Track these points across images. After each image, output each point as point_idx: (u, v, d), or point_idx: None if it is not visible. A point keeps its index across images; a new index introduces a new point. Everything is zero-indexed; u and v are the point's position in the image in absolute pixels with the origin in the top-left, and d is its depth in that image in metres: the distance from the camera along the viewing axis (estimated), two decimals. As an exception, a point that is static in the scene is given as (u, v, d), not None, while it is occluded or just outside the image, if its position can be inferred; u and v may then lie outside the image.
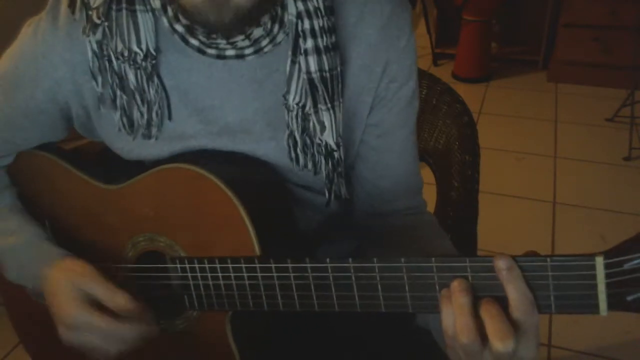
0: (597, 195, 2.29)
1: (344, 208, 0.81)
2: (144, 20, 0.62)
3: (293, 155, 0.68)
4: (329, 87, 0.64)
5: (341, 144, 0.67)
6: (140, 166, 0.72)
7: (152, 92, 0.65)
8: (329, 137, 0.66)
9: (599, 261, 0.49)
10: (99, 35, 0.63)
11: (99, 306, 0.64)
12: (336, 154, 0.68)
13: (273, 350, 0.77)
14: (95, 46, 0.64)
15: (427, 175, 1.12)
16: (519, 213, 2.22)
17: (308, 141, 0.67)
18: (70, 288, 0.64)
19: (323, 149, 0.67)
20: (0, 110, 0.72)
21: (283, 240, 0.70)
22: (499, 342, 0.49)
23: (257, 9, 0.56)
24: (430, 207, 1.04)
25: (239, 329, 0.68)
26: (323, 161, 0.68)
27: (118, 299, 0.63)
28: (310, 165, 0.68)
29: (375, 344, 0.79)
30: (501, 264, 0.51)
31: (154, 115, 0.67)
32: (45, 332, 0.80)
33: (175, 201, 0.66)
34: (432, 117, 1.14)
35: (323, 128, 0.65)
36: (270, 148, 0.69)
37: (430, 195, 1.05)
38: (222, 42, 0.62)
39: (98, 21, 0.62)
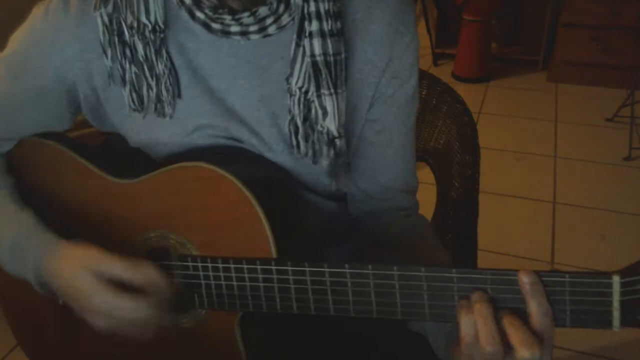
0: (597, 195, 2.29)
1: (341, 209, 0.81)
2: None
3: (294, 142, 0.68)
4: (333, 71, 0.64)
5: (343, 134, 0.68)
6: (152, 162, 0.72)
7: (160, 66, 0.66)
8: (331, 124, 0.66)
9: (616, 280, 0.51)
10: (109, 8, 0.65)
11: (119, 286, 0.62)
12: (338, 142, 0.68)
13: (279, 353, 0.76)
14: (106, 19, 0.65)
15: (427, 175, 1.12)
16: (519, 213, 2.22)
17: (309, 129, 0.67)
18: (87, 275, 0.62)
19: (325, 136, 0.67)
20: (7, 89, 0.72)
21: (286, 242, 0.70)
22: (527, 350, 0.51)
23: None
24: (430, 207, 1.04)
25: (248, 331, 0.68)
26: (325, 150, 0.68)
27: (142, 269, 0.61)
28: (310, 152, 0.68)
29: (384, 348, 0.79)
30: (525, 279, 0.53)
31: (163, 89, 0.67)
32: (43, 332, 0.80)
33: (190, 199, 0.66)
34: (432, 117, 1.14)
35: (325, 113, 0.66)
36: (273, 134, 0.69)
37: (430, 195, 1.05)
38: (227, 18, 0.63)
39: None
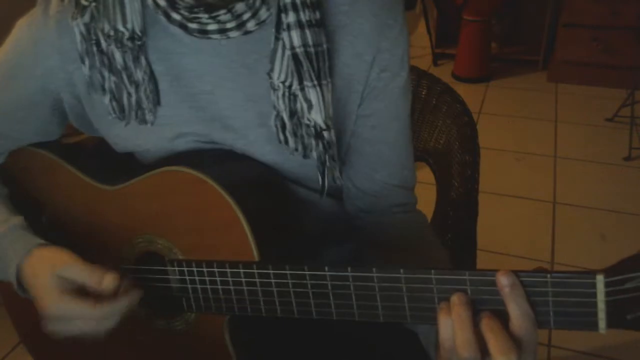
0: (597, 195, 2.29)
1: (341, 208, 0.81)
2: (131, 1, 0.64)
3: (282, 137, 0.67)
4: (315, 63, 0.63)
5: (332, 126, 0.66)
6: (138, 167, 0.72)
7: (139, 73, 0.66)
8: (317, 116, 0.65)
9: (600, 279, 0.49)
10: (86, 17, 0.64)
11: (80, 291, 0.62)
12: (326, 134, 0.66)
13: (270, 354, 0.76)
14: (83, 29, 0.65)
15: (427, 175, 1.12)
16: (519, 213, 2.22)
17: (297, 123, 0.66)
18: (49, 277, 0.62)
19: (312, 129, 0.66)
20: None
21: (282, 242, 0.70)
22: (503, 356, 0.50)
23: None
24: (430, 207, 1.04)
25: (236, 333, 0.68)
26: (313, 143, 0.67)
27: (107, 281, 0.61)
28: (300, 147, 0.67)
29: (375, 348, 0.79)
30: (504, 281, 0.51)
31: (142, 96, 0.67)
32: (39, 327, 0.80)
33: (174, 204, 0.66)
34: (432, 117, 1.14)
35: (310, 106, 0.64)
36: (261, 135, 0.69)
37: (430, 195, 1.05)
38: (204, 17, 0.62)
39: (86, 3, 0.64)
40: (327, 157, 0.68)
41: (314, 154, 0.68)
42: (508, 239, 2.02)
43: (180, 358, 0.72)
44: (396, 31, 0.68)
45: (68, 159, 0.74)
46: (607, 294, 0.49)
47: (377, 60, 0.68)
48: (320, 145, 0.67)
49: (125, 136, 0.72)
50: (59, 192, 0.75)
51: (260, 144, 0.69)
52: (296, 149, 0.67)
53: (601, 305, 0.49)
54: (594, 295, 0.49)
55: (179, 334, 0.70)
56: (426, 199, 0.83)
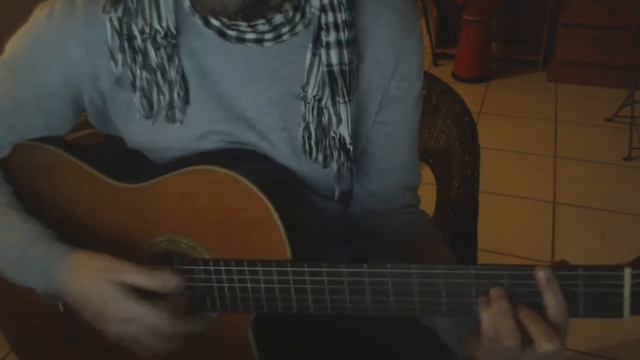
0: (597, 195, 2.29)
1: (343, 210, 0.81)
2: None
3: (307, 147, 0.68)
4: (347, 80, 0.65)
5: (352, 138, 0.68)
6: (152, 166, 0.71)
7: (172, 72, 0.65)
8: (344, 130, 0.67)
9: (627, 272, 0.54)
10: (119, 12, 0.63)
11: (138, 292, 0.62)
12: (350, 147, 0.68)
13: (289, 352, 0.76)
14: (116, 23, 0.64)
15: (427, 175, 1.12)
16: (519, 213, 2.22)
17: (323, 135, 0.67)
18: (102, 284, 0.62)
19: (337, 142, 0.68)
20: (9, 95, 0.69)
21: (300, 242, 0.70)
22: (548, 342, 0.54)
23: None
24: (430, 207, 1.04)
25: (260, 332, 0.68)
26: (335, 154, 0.69)
27: (160, 275, 0.61)
28: (320, 158, 0.69)
29: (397, 351, 0.79)
30: (542, 274, 0.55)
31: (175, 96, 0.66)
32: (40, 338, 0.79)
33: (204, 203, 0.65)
34: (432, 117, 1.14)
35: (339, 121, 0.66)
36: (283, 138, 0.69)
37: (430, 195, 1.05)
38: (242, 25, 0.62)
39: None
40: (345, 168, 0.70)
41: (334, 165, 0.69)
42: (508, 239, 2.02)
43: (200, 356, 0.71)
44: (414, 40, 0.69)
45: (78, 155, 0.72)
46: (633, 284, 0.54)
47: (398, 70, 0.69)
48: (343, 157, 0.69)
49: (145, 133, 0.70)
50: (70, 188, 0.72)
51: (281, 147, 0.70)
52: (317, 159, 0.69)
53: (627, 295, 0.55)
54: (622, 286, 0.55)
55: (198, 334, 0.69)
56: (426, 199, 0.83)
